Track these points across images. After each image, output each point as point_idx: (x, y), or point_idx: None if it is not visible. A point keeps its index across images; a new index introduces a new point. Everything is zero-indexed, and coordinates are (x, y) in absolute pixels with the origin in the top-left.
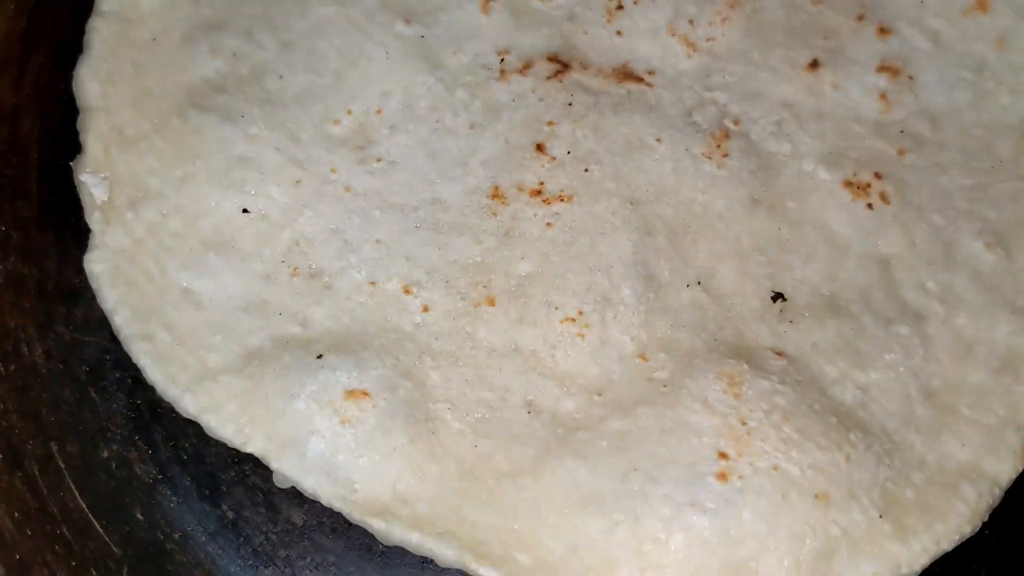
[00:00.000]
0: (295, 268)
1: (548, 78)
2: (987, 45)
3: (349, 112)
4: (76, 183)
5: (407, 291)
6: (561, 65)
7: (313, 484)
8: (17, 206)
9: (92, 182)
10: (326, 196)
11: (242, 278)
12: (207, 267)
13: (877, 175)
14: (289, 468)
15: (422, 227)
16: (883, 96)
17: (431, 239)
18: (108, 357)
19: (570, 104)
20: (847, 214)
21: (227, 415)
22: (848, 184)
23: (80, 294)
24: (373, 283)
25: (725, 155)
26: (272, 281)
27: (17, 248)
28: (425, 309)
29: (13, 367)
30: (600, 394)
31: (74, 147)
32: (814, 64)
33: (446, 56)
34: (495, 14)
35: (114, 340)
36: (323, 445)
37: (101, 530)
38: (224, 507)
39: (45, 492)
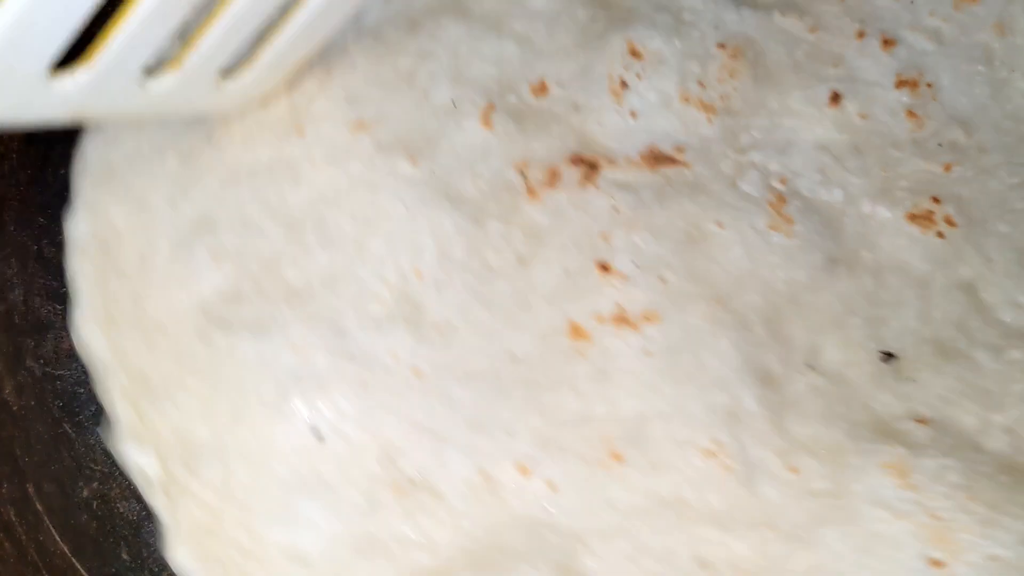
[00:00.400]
0: (394, 484)
1: (580, 184)
2: (988, 33)
3: (386, 283)
4: (118, 459)
5: (524, 471)
6: (587, 166)
7: None
8: None
9: (140, 460)
10: (397, 389)
11: (342, 515)
12: (299, 515)
13: (935, 199)
14: None
15: (510, 391)
16: (910, 112)
17: (525, 403)
18: (82, 390)
19: (615, 208)
20: (920, 248)
21: None
22: (913, 217)
23: (49, 326)
24: (484, 473)
25: (790, 221)
26: (376, 507)
27: None
28: (551, 487)
29: None
30: (771, 527)
31: (32, 172)
32: (835, 98)
33: (464, 186)
34: (498, 125)
35: (87, 372)
36: None
37: (86, 574)
38: None
39: (23, 538)
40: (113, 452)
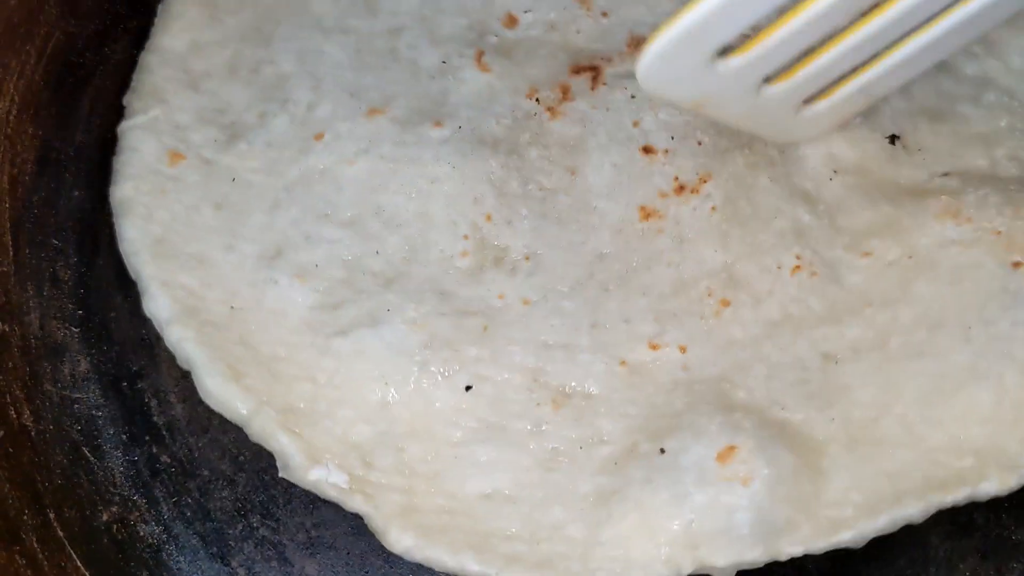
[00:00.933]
0: (549, 401)
1: (592, 89)
2: None
3: (463, 237)
4: (310, 488)
5: (654, 347)
6: (590, 71)
7: None
8: None
9: (329, 479)
10: (515, 321)
11: (517, 445)
12: (480, 462)
13: None
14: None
15: (610, 286)
16: None
17: (627, 291)
18: (100, 414)
19: (632, 96)
20: None
21: None
22: None
23: (65, 349)
24: (622, 362)
25: None
26: (542, 426)
27: None
28: (682, 350)
29: (1, 433)
30: (869, 304)
31: (46, 195)
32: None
33: (491, 128)
34: (493, 65)
35: (105, 395)
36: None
37: None
38: (234, 564)
39: (45, 565)
40: (300, 483)
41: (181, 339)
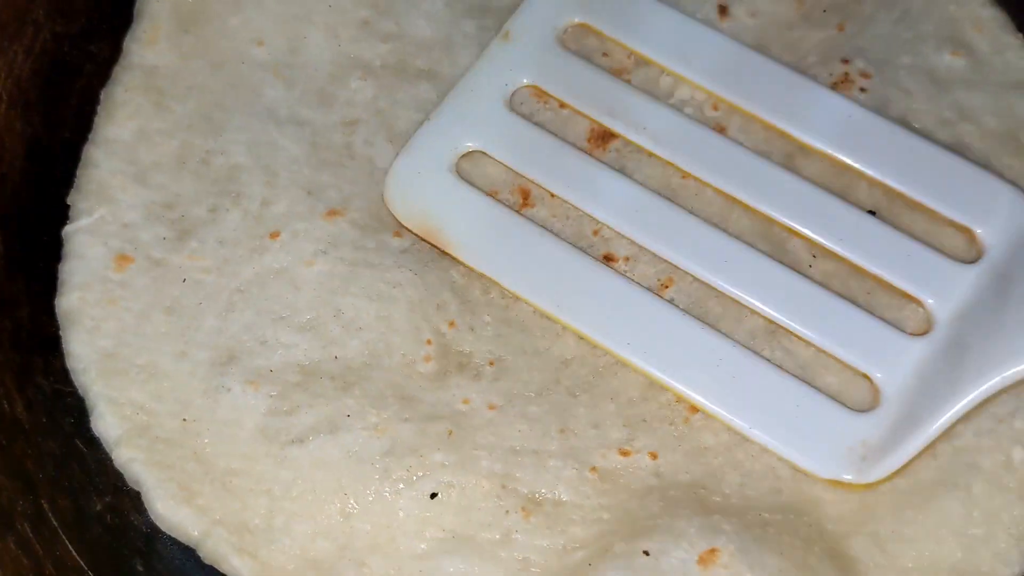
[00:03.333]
0: (517, 509)
1: (551, 195)
2: None
3: (429, 342)
4: None
5: (624, 453)
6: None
7: None
8: None
9: None
10: (481, 426)
11: (486, 555)
12: (448, 574)
13: (844, 60)
14: None
15: (576, 391)
16: None
17: (594, 396)
18: None
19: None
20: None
21: None
22: (835, 85)
23: (57, 342)
24: (592, 468)
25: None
26: (512, 535)
27: None
28: (653, 456)
29: None
30: None
31: (34, 191)
32: (722, 10)
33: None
34: None
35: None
36: None
37: None
38: None
39: (40, 552)
40: None
41: (130, 460)
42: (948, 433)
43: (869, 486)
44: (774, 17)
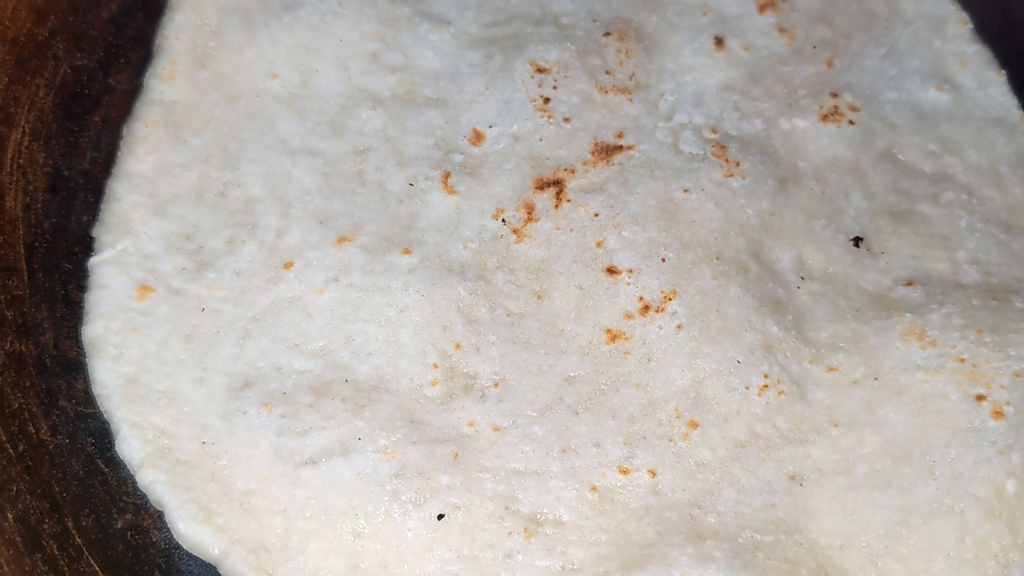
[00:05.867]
0: (520, 529)
1: (555, 206)
2: None
3: (431, 366)
4: None
5: (624, 471)
6: (554, 185)
7: None
8: (8, 285)
9: None
10: (485, 448)
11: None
12: None
13: (833, 94)
14: None
15: (579, 410)
16: (780, 29)
17: (596, 414)
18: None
19: (595, 215)
20: (841, 139)
21: None
22: (825, 117)
23: (79, 366)
24: (592, 488)
25: (737, 163)
26: (514, 555)
27: (13, 327)
28: (652, 474)
29: (22, 447)
30: (835, 424)
31: (57, 221)
32: (719, 42)
33: (458, 253)
34: (459, 186)
35: None
36: None
37: None
38: None
39: (66, 570)
40: None
41: (153, 482)
42: (948, 455)
43: None
44: (767, 51)
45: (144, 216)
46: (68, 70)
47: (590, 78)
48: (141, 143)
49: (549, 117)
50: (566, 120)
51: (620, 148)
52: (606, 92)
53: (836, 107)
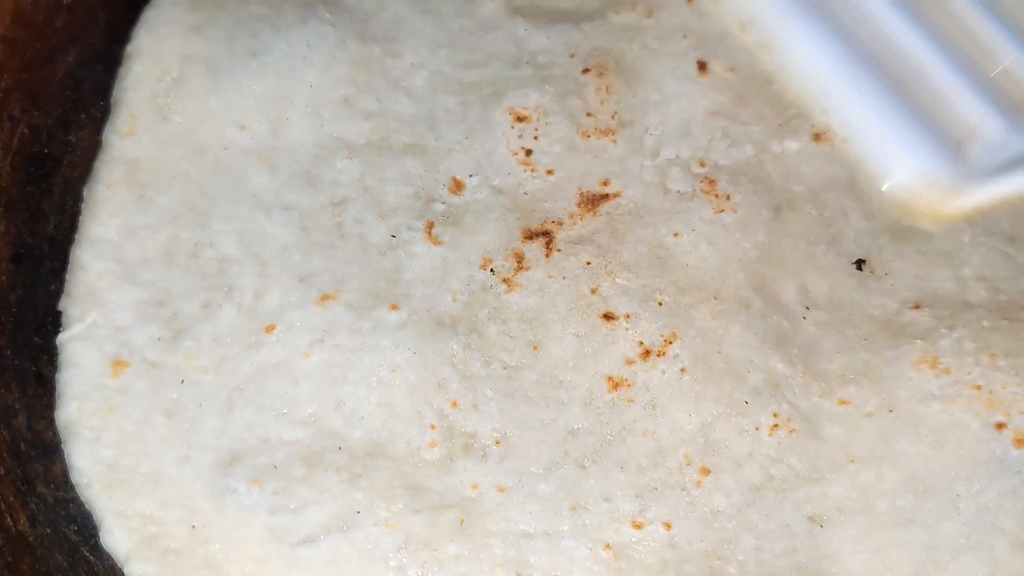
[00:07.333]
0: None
1: (546, 255)
2: None
3: (428, 427)
4: None
5: (637, 525)
6: (542, 236)
7: None
8: None
9: None
10: (491, 511)
11: None
12: None
13: (825, 112)
14: None
15: (585, 463)
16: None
17: (603, 467)
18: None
19: (586, 263)
20: (835, 159)
21: None
22: (816, 137)
23: (55, 449)
24: (606, 545)
25: (728, 197)
26: None
27: None
28: (667, 526)
29: (0, 541)
30: (852, 460)
31: (23, 293)
32: (702, 66)
33: (448, 307)
34: (443, 236)
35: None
36: None
37: None
38: None
39: None
40: None
41: (143, 575)
42: (971, 488)
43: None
44: (752, 71)
45: (112, 284)
46: (26, 130)
47: (572, 123)
48: (104, 206)
49: (532, 171)
50: (549, 172)
51: (607, 197)
52: (588, 136)
53: (829, 125)
